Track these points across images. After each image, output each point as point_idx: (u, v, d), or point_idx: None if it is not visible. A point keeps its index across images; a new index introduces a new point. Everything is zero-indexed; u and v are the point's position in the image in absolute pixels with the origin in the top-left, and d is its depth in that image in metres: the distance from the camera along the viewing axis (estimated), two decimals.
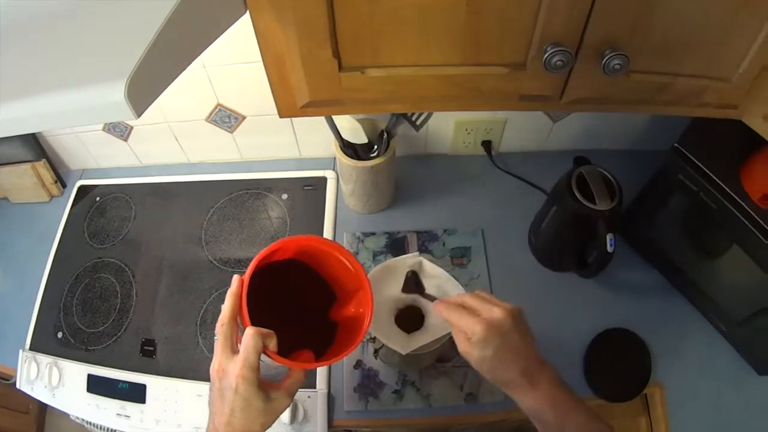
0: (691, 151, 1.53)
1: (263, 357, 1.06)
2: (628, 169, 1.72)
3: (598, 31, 0.95)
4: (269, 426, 1.08)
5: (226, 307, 1.10)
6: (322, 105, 1.15)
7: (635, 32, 0.96)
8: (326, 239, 1.28)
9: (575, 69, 1.02)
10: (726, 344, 1.76)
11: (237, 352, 1.07)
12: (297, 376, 1.14)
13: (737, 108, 1.12)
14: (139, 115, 0.76)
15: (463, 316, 1.21)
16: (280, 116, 1.19)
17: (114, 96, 0.73)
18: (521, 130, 2.13)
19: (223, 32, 0.96)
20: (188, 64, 0.89)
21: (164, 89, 0.83)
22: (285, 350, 1.09)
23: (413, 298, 1.47)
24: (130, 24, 0.83)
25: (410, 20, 0.97)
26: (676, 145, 1.56)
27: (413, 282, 1.46)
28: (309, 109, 1.16)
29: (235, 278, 1.13)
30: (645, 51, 1.00)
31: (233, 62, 1.84)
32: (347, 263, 1.26)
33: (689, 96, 1.10)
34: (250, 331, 1.05)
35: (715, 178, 1.48)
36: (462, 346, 1.20)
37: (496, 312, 1.19)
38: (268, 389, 1.07)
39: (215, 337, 1.10)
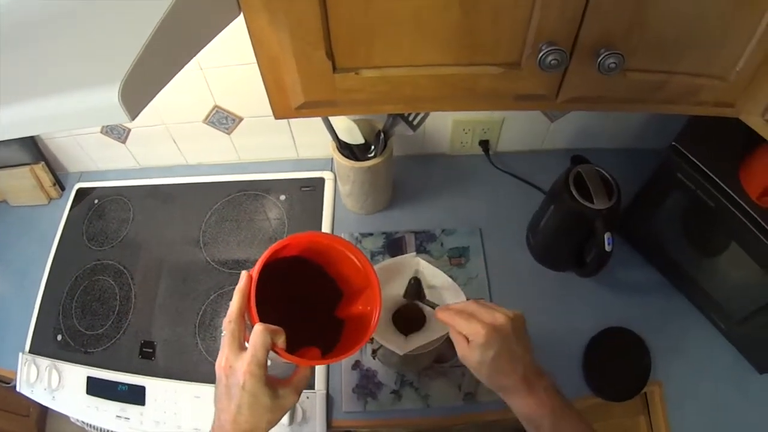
0: (689, 150, 1.53)
1: (270, 354, 1.06)
2: (626, 168, 1.72)
3: (593, 30, 0.95)
4: (275, 423, 1.09)
5: (234, 304, 1.10)
6: (316, 106, 1.15)
7: (630, 31, 0.96)
8: (336, 236, 1.27)
9: (570, 68, 1.02)
10: (726, 342, 1.76)
11: (244, 348, 1.06)
12: (304, 372, 1.14)
13: (734, 106, 1.11)
14: (133, 118, 0.76)
15: (465, 320, 1.20)
16: (276, 117, 1.20)
17: (108, 99, 0.73)
18: (519, 129, 2.13)
19: (216, 34, 0.96)
20: (182, 67, 0.89)
21: (158, 91, 0.83)
22: (292, 347, 1.09)
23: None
24: (124, 27, 0.83)
25: (404, 21, 0.97)
26: (673, 143, 1.55)
27: (415, 289, 1.45)
28: (304, 110, 1.16)
29: (244, 274, 1.13)
30: (640, 50, 0.99)
31: (229, 64, 1.84)
32: (356, 261, 1.26)
33: (686, 94, 1.10)
34: (258, 328, 1.05)
35: (713, 176, 1.48)
36: (461, 350, 1.20)
37: (498, 317, 1.19)
38: (275, 386, 1.07)
39: (222, 333, 1.10)
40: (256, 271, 1.11)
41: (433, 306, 1.36)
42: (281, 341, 1.07)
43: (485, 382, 1.21)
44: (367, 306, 1.27)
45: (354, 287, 1.32)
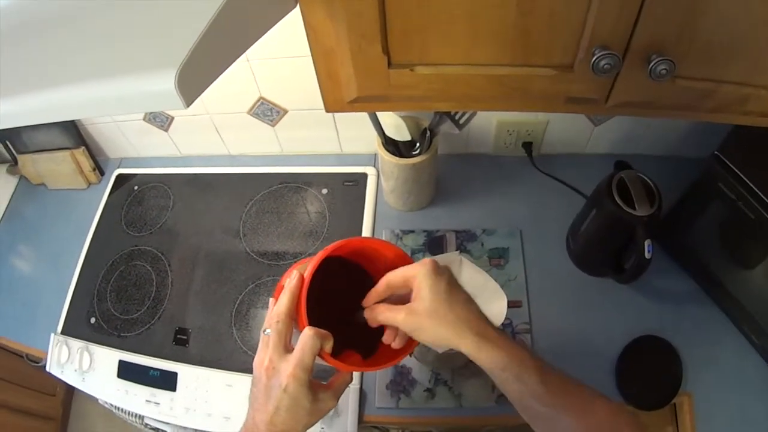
0: (731, 160, 1.51)
1: None
2: (668, 175, 1.70)
3: (646, 35, 0.95)
4: (311, 426, 1.07)
5: (283, 303, 1.08)
6: (369, 101, 1.16)
7: (682, 37, 0.95)
8: (390, 244, 1.25)
9: (622, 73, 1.02)
10: (758, 357, 1.74)
11: (290, 350, 1.05)
12: (345, 377, 1.14)
13: None
14: (188, 105, 0.76)
15: (400, 270, 1.15)
16: (327, 111, 1.20)
17: (164, 84, 0.74)
18: (562, 132, 2.12)
19: (272, 25, 0.96)
20: (238, 56, 0.90)
21: (214, 80, 0.84)
22: (333, 349, 1.08)
23: None
24: (182, 13, 0.83)
25: (460, 18, 0.97)
26: (716, 152, 1.54)
27: None
28: (356, 104, 1.17)
29: (295, 273, 1.11)
30: (691, 56, 0.99)
31: (277, 56, 1.84)
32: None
33: (733, 103, 1.09)
34: (309, 332, 1.04)
35: (754, 187, 1.46)
36: (405, 318, 1.11)
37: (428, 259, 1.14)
38: (317, 390, 1.06)
39: (265, 331, 1.08)
40: (308, 273, 1.10)
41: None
42: (329, 346, 1.06)
43: (441, 338, 1.11)
44: None
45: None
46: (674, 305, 1.85)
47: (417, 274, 1.11)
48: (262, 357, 1.07)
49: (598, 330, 1.80)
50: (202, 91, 0.81)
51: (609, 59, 0.95)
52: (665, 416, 1.75)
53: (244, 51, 0.92)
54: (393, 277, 1.16)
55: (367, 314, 1.18)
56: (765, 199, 1.44)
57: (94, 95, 0.81)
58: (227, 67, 0.87)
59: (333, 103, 1.18)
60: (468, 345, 1.09)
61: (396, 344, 1.19)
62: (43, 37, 0.96)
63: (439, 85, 1.09)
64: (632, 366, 1.73)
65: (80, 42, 0.92)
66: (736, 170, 1.50)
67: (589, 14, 0.93)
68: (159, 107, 0.81)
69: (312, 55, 1.08)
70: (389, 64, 1.05)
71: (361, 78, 1.09)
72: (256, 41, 0.94)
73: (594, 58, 0.96)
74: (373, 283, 1.21)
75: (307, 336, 1.03)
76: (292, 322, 1.10)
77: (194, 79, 0.77)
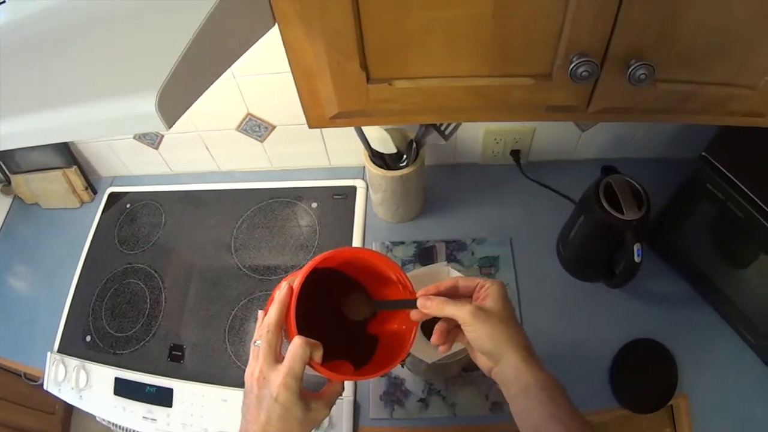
0: (718, 160, 1.52)
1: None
2: (656, 178, 1.71)
3: (623, 41, 0.95)
4: None
5: (273, 314, 1.08)
6: (350, 116, 1.16)
7: (660, 42, 0.96)
8: (380, 254, 1.24)
9: (601, 79, 1.02)
10: (753, 356, 1.73)
11: (280, 360, 1.05)
12: (336, 387, 1.14)
13: (764, 116, 1.10)
14: (169, 127, 0.77)
15: (469, 278, 1.19)
16: (310, 127, 1.20)
17: (145, 107, 0.74)
18: (550, 139, 2.12)
19: (252, 45, 0.97)
20: (218, 76, 0.90)
21: (195, 101, 0.84)
22: (324, 359, 1.07)
23: None
24: (161, 36, 0.84)
25: (437, 32, 0.98)
26: (703, 153, 1.54)
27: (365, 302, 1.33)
28: (338, 120, 1.17)
29: (284, 284, 1.11)
30: (670, 60, 0.99)
31: (263, 72, 1.85)
32: (399, 285, 1.24)
33: (716, 104, 1.09)
34: (298, 341, 1.04)
35: (743, 187, 1.47)
36: (468, 312, 1.10)
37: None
38: (308, 399, 1.06)
39: (256, 343, 1.09)
40: (297, 284, 1.10)
41: (406, 305, 1.23)
42: (318, 356, 1.06)
43: (495, 342, 1.10)
44: (402, 326, 1.25)
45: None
46: (667, 307, 1.85)
47: (490, 283, 1.14)
48: (253, 368, 1.07)
49: (591, 335, 1.80)
50: (184, 112, 0.81)
51: (587, 66, 0.95)
52: (663, 418, 1.76)
53: (225, 70, 0.92)
54: (463, 280, 1.19)
55: (420, 303, 1.16)
56: (754, 198, 1.44)
57: (77, 119, 0.81)
58: (208, 87, 0.87)
59: (315, 120, 1.18)
60: (518, 356, 1.09)
61: (443, 348, 1.20)
62: (26, 61, 0.97)
63: (419, 99, 1.10)
64: (627, 369, 1.73)
65: (63, 66, 0.92)
66: (724, 170, 1.50)
67: (565, 22, 0.94)
68: (141, 129, 0.81)
69: (292, 73, 1.08)
70: (368, 80, 1.06)
71: (340, 94, 1.10)
72: (235, 61, 0.94)
73: (572, 66, 0.96)
74: (365, 293, 1.23)
75: (296, 345, 1.03)
76: (282, 332, 1.10)
77: (175, 101, 0.78)
